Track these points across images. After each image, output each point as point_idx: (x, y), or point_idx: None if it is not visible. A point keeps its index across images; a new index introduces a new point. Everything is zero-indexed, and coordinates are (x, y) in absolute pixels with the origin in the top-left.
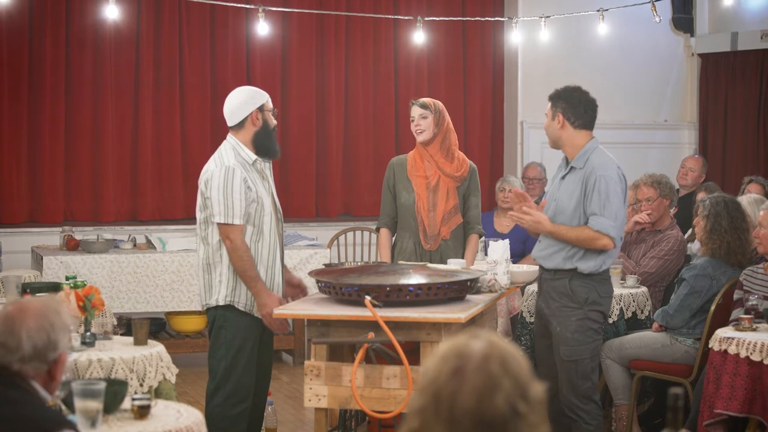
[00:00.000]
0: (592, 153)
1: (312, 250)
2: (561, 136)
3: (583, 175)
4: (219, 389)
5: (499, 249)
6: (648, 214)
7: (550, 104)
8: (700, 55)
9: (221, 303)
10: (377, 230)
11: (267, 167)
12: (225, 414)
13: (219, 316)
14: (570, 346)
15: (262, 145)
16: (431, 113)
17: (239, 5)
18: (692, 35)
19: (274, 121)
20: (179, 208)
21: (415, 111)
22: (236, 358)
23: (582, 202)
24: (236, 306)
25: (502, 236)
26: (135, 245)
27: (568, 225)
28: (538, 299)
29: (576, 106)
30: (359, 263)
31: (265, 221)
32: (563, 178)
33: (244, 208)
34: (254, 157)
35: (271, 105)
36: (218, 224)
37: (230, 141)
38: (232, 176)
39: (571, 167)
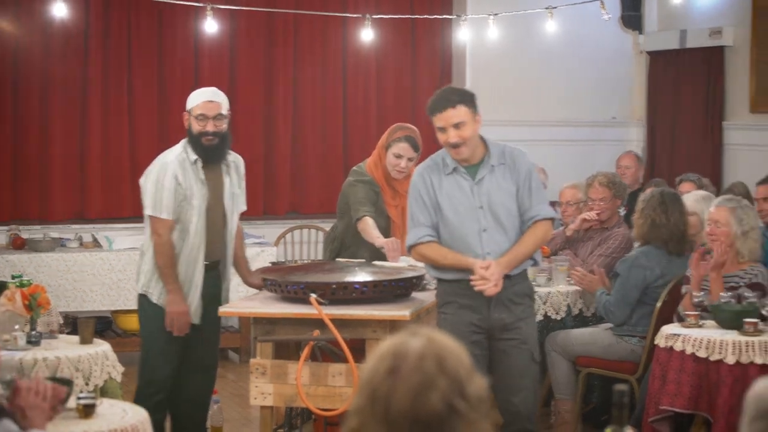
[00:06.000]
0: (501, 145)
1: (259, 248)
2: (478, 138)
3: (509, 169)
4: (139, 377)
5: None
6: (598, 213)
7: (465, 108)
8: (649, 53)
9: (140, 291)
10: (357, 220)
11: (228, 169)
12: (140, 403)
13: (140, 303)
14: (537, 347)
15: (191, 147)
16: (418, 156)
17: (188, 3)
18: (641, 33)
19: (198, 127)
20: (126, 207)
21: (407, 151)
22: (149, 348)
23: (516, 196)
24: (150, 297)
25: None
26: (81, 244)
27: (517, 228)
28: (492, 311)
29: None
30: (306, 261)
31: (192, 221)
32: (478, 182)
33: (174, 204)
34: (194, 157)
35: (202, 111)
36: (148, 216)
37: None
38: (165, 171)
39: (492, 166)
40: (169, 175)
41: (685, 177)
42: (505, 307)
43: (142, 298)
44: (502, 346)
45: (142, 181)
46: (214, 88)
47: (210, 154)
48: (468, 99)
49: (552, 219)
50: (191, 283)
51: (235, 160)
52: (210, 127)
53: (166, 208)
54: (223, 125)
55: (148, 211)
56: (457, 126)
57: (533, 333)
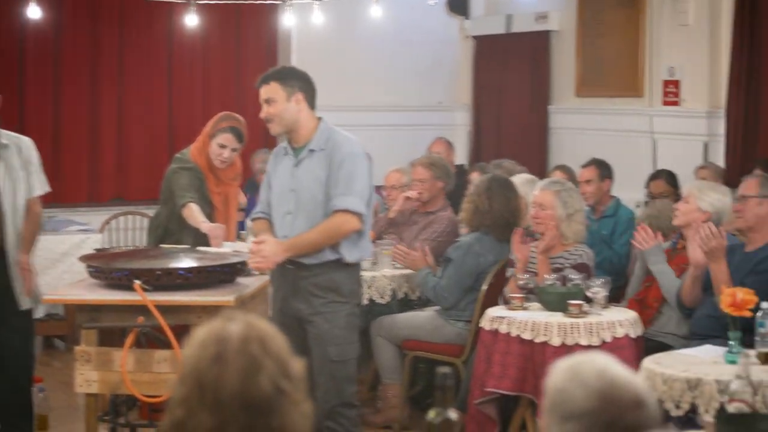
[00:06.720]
0: (332, 132)
1: (84, 235)
2: (299, 118)
3: (327, 155)
4: None
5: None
6: (419, 193)
7: (278, 85)
8: (475, 38)
9: None
10: (182, 207)
11: (2, 152)
12: None
13: None
14: (339, 344)
15: None
16: (242, 147)
17: None
18: (467, 18)
19: None
20: None
21: (231, 141)
22: None
23: (325, 184)
24: None
25: None
26: None
27: (321, 216)
28: (291, 300)
29: (311, 85)
30: (131, 248)
31: None
32: (297, 165)
33: None
34: None
35: None
36: None
37: None
38: None
39: (311, 150)
40: None
41: (498, 163)
42: (304, 297)
43: None
44: (307, 337)
45: None
46: None
47: None
48: (285, 77)
49: (354, 213)
50: None
51: (16, 142)
52: None
53: None
54: None
55: None
56: (267, 102)
57: (335, 331)
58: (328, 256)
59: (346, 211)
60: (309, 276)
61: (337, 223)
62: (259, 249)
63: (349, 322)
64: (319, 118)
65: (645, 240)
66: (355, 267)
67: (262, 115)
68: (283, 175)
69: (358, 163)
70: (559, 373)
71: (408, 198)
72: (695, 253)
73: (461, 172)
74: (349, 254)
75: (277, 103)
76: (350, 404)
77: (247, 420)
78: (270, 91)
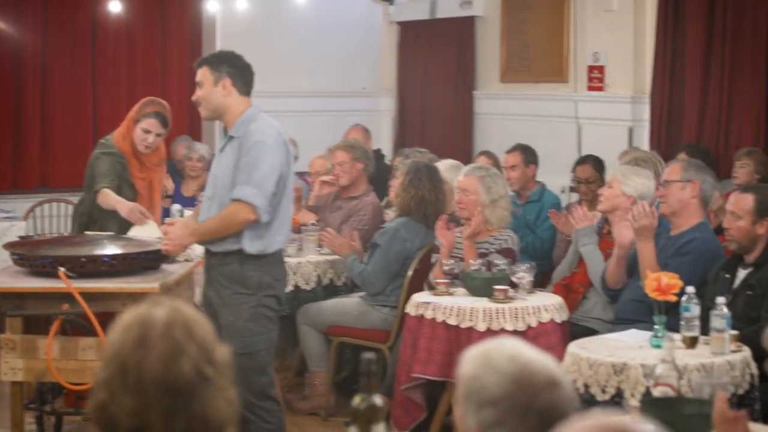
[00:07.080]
0: (252, 120)
1: (8, 222)
2: (226, 103)
3: (240, 143)
4: None
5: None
6: (335, 177)
7: (207, 69)
8: (399, 23)
9: None
10: (96, 193)
11: None
12: None
13: None
14: (243, 337)
15: None
16: (166, 132)
17: None
18: (391, 3)
19: None
20: None
21: (155, 127)
22: None
23: (233, 171)
24: None
25: (193, 202)
26: None
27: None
28: (207, 288)
29: (243, 71)
30: (55, 235)
31: None
32: (222, 150)
33: None
34: None
35: None
36: None
37: None
38: None
39: (230, 137)
40: None
41: (411, 151)
42: (214, 286)
43: None
44: None
45: None
46: None
47: None
48: (216, 62)
49: (248, 203)
50: None
51: None
52: None
53: None
54: None
55: None
56: (198, 85)
57: (239, 323)
58: (230, 246)
59: (240, 200)
60: (217, 265)
61: (230, 213)
62: (166, 231)
63: (255, 314)
64: (251, 104)
65: (580, 219)
66: (266, 259)
67: (194, 97)
68: (214, 161)
69: (264, 152)
70: (470, 361)
71: (325, 182)
72: (621, 234)
73: (379, 157)
74: (249, 245)
75: (205, 87)
76: (264, 395)
77: (169, 404)
78: (201, 74)
